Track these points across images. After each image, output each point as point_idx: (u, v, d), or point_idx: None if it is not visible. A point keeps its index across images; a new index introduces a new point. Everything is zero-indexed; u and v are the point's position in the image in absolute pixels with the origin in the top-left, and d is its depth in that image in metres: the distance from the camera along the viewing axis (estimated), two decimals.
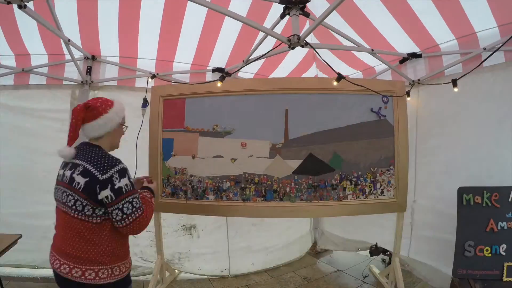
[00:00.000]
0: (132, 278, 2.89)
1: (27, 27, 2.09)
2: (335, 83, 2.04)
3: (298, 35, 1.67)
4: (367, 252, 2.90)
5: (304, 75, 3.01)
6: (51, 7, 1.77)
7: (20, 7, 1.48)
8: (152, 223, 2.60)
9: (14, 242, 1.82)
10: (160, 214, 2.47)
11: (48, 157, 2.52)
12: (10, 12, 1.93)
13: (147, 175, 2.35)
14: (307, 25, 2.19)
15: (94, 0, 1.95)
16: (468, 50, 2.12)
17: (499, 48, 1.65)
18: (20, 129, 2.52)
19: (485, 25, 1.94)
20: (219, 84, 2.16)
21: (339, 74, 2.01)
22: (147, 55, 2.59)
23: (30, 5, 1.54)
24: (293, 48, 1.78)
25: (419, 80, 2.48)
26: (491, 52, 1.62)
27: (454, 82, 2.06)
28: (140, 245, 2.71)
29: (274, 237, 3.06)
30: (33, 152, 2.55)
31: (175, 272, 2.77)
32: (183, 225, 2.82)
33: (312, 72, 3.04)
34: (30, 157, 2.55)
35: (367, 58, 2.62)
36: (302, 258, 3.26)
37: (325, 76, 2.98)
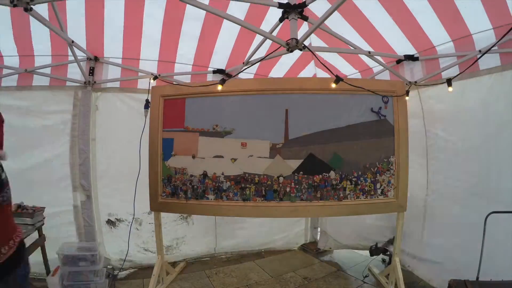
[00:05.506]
0: (133, 277, 2.90)
1: (37, 27, 2.10)
2: (333, 85, 2.06)
3: (296, 39, 1.70)
4: (367, 252, 2.89)
5: (303, 72, 3.04)
6: (56, 9, 1.80)
7: (26, 9, 1.51)
8: (152, 222, 2.65)
9: None
10: (160, 214, 2.48)
11: (50, 158, 2.56)
12: (21, 12, 1.95)
13: (148, 174, 2.37)
14: (305, 24, 2.21)
15: (100, 2, 1.98)
16: (463, 52, 2.14)
17: (492, 47, 1.68)
18: (22, 130, 2.53)
19: (480, 27, 1.97)
20: (219, 87, 2.18)
21: (337, 76, 2.03)
22: (149, 56, 2.62)
23: (35, 7, 1.56)
24: (291, 51, 1.80)
25: (415, 82, 2.51)
26: (484, 52, 1.65)
27: (449, 82, 2.09)
28: (142, 237, 2.86)
29: (257, 224, 3.28)
30: (34, 153, 2.57)
31: (175, 272, 2.79)
32: (181, 215, 3.07)
33: (311, 69, 3.05)
34: (32, 158, 2.56)
35: (366, 57, 2.65)
36: (295, 252, 3.41)
37: (323, 73, 3.00)
